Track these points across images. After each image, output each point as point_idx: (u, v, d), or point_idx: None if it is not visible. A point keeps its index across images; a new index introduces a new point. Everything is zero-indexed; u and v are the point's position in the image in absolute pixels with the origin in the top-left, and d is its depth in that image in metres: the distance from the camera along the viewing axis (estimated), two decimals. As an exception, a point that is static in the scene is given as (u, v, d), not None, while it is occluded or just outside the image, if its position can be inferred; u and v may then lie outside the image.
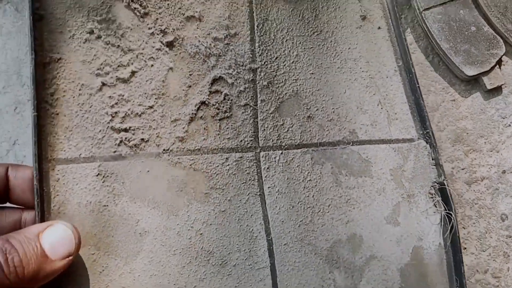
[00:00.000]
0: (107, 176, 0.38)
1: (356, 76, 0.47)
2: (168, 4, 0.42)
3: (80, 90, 0.38)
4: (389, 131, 0.47)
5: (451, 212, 0.48)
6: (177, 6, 0.42)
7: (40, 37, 0.38)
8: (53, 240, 0.34)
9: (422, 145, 0.47)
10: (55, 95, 0.38)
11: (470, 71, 0.53)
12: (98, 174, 0.38)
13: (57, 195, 0.37)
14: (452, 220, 0.48)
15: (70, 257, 0.34)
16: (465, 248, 0.54)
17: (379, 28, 0.48)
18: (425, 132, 0.48)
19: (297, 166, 0.44)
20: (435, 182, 0.47)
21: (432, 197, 0.48)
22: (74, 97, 0.38)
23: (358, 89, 0.46)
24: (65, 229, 0.34)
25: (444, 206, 0.48)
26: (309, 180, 0.44)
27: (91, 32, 0.39)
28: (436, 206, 0.47)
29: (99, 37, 0.39)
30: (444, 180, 0.47)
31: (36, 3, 0.38)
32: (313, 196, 0.44)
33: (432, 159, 0.48)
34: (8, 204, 0.39)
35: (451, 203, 0.46)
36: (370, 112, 0.46)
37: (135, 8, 0.41)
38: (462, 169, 0.56)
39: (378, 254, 0.44)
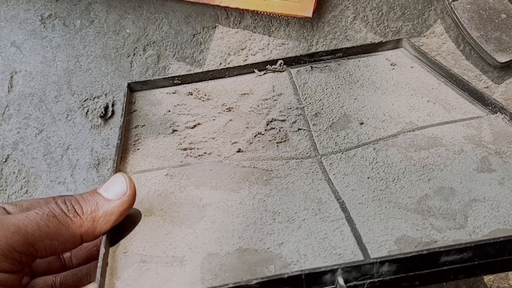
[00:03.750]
0: (175, 175, 0.47)
1: (399, 93, 0.55)
2: (225, 91, 0.58)
3: (156, 136, 0.51)
4: (450, 115, 0.50)
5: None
6: (233, 90, 0.58)
7: (130, 119, 0.54)
8: (108, 185, 0.41)
9: (492, 117, 0.48)
10: (138, 141, 0.51)
11: (502, 58, 0.57)
12: (167, 174, 0.46)
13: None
14: None
15: (126, 195, 0.40)
16: None
17: (411, 67, 0.58)
18: (491, 108, 0.50)
19: (361, 157, 0.49)
20: None
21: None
22: (152, 140, 0.51)
23: (405, 98, 0.54)
24: (118, 175, 0.41)
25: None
26: (376, 162, 0.48)
27: (168, 111, 0.55)
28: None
29: (174, 112, 0.55)
30: None
31: (132, 107, 0.56)
32: (383, 171, 0.46)
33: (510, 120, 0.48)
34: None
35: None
36: (422, 108, 0.52)
37: (200, 97, 0.57)
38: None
39: (479, 197, 0.42)
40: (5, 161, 0.70)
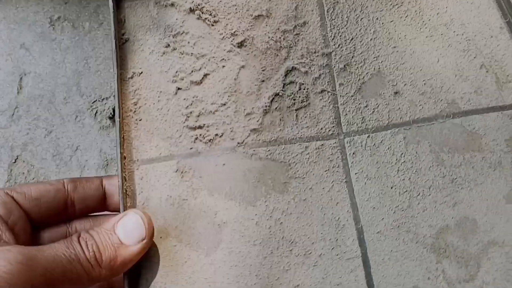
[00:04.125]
0: (185, 171, 0.42)
1: (450, 42, 0.45)
2: (236, 8, 0.46)
3: (159, 97, 0.44)
4: (501, 95, 0.42)
5: None
6: (245, 9, 0.46)
7: (124, 57, 0.46)
8: (126, 227, 0.39)
9: None
10: (138, 104, 0.44)
11: None
12: (177, 170, 0.43)
13: (142, 192, 0.42)
14: None
15: (144, 241, 0.38)
16: None
17: None
18: None
19: (388, 148, 0.43)
20: None
21: None
22: (154, 103, 0.44)
23: (454, 55, 0.44)
24: (136, 215, 0.39)
25: None
26: (403, 162, 0.42)
27: (167, 45, 0.45)
28: None
29: (174, 49, 0.45)
30: None
31: (122, 30, 0.45)
32: (409, 178, 0.41)
33: None
34: (106, 212, 0.45)
35: None
36: (472, 78, 0.43)
37: (205, 19, 0.46)
38: None
39: (499, 239, 0.39)
40: (15, 161, 0.69)
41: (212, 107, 0.47)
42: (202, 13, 0.49)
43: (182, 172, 0.45)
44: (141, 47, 0.49)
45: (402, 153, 0.44)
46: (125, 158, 0.45)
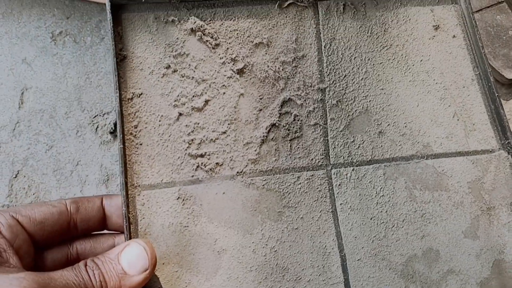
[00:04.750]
0: (186, 199, 0.44)
1: (429, 89, 0.49)
2: (237, 34, 0.47)
3: (160, 121, 0.45)
4: (467, 142, 0.48)
5: (537, 226, 0.48)
6: (246, 35, 0.47)
7: (123, 75, 0.45)
8: (129, 257, 0.41)
9: (503, 156, 0.48)
10: (138, 127, 0.44)
11: (511, 75, 0.55)
12: (178, 197, 0.44)
13: (143, 218, 0.43)
14: (539, 233, 0.48)
15: (147, 271, 0.41)
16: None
17: (454, 36, 0.50)
18: (506, 142, 0.48)
19: (369, 182, 0.47)
20: None
21: (514, 210, 0.48)
22: (155, 127, 0.45)
23: (432, 101, 0.49)
24: (139, 246, 0.41)
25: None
26: (382, 195, 0.47)
27: (168, 67, 0.45)
28: (519, 220, 0.48)
29: (175, 70, 0.45)
30: None
31: (119, 45, 0.44)
32: (386, 211, 0.47)
33: None
34: (105, 231, 0.46)
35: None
36: (445, 124, 0.48)
37: (206, 41, 0.46)
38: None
39: (456, 268, 0.46)
40: (15, 176, 0.69)
41: (213, 135, 0.48)
42: (204, 35, 0.49)
43: (183, 199, 0.46)
44: (141, 66, 0.48)
45: (381, 187, 0.50)
46: (126, 183, 0.45)
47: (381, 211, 0.51)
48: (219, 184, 0.48)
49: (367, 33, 0.52)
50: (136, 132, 0.48)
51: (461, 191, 0.51)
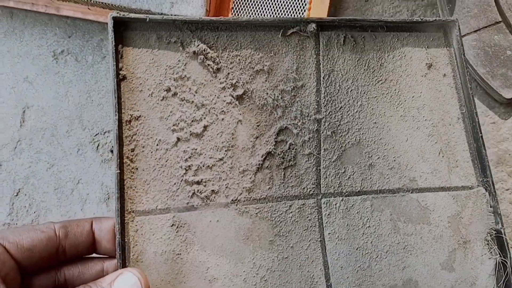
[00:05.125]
0: (180, 226, 0.44)
1: (418, 125, 0.51)
2: (239, 59, 0.47)
3: (157, 145, 0.44)
4: (449, 178, 0.51)
5: (506, 260, 0.50)
6: (248, 61, 0.47)
7: (123, 96, 0.43)
8: (123, 287, 0.39)
9: (481, 193, 0.51)
10: (135, 151, 0.43)
11: (509, 94, 0.59)
12: (172, 224, 0.44)
13: (136, 245, 0.43)
14: (507, 267, 0.50)
15: None
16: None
17: (444, 75, 0.52)
18: (485, 180, 0.50)
19: (357, 212, 0.49)
20: (492, 229, 0.50)
21: (488, 244, 0.51)
22: (152, 152, 0.44)
23: (420, 137, 0.51)
24: (133, 276, 0.40)
25: (499, 253, 0.51)
26: (368, 226, 0.49)
27: (168, 89, 0.44)
28: (491, 253, 0.50)
29: (175, 94, 0.44)
30: (501, 228, 0.50)
31: (120, 64, 0.43)
32: (371, 242, 0.48)
33: (490, 207, 0.51)
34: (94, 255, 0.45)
35: (507, 251, 0.49)
36: (431, 160, 0.51)
37: (208, 65, 0.46)
38: (507, 189, 0.60)
39: None
40: (16, 195, 0.69)
41: (210, 161, 0.47)
42: (206, 59, 0.48)
43: (177, 226, 0.46)
44: (140, 87, 0.46)
45: (368, 219, 0.51)
46: (121, 210, 0.44)
47: (367, 242, 0.52)
48: (214, 212, 0.48)
49: (364, 66, 0.53)
50: (132, 156, 0.46)
51: (442, 225, 0.54)
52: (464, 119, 0.56)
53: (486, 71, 0.60)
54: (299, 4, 0.69)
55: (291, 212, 0.50)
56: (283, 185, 0.50)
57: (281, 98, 0.51)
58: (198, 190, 0.48)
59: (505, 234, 0.54)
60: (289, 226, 0.50)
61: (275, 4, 0.69)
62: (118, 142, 0.45)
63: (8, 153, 0.72)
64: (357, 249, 0.52)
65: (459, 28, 0.56)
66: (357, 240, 0.52)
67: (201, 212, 0.48)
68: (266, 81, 0.50)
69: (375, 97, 0.54)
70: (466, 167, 0.55)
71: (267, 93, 0.50)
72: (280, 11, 0.70)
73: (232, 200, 0.49)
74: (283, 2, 0.70)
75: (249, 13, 0.69)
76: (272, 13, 0.69)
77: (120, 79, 0.46)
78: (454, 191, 0.55)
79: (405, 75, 0.54)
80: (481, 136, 0.54)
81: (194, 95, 0.49)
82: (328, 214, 0.52)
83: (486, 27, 0.61)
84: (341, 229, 0.52)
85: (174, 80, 0.48)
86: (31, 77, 0.71)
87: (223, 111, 0.49)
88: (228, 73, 0.50)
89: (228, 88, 0.49)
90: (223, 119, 0.49)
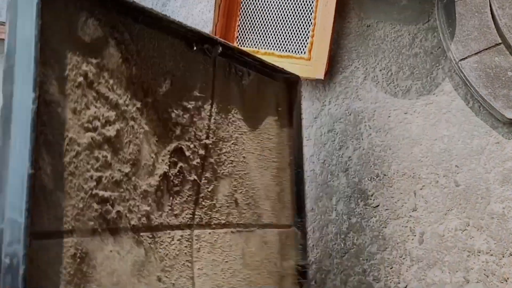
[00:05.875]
0: (81, 257, 0.38)
1: (268, 165, 0.59)
2: (153, 61, 0.45)
3: (68, 145, 0.36)
4: (279, 217, 0.61)
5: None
6: (160, 66, 0.46)
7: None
8: None
9: (294, 231, 0.62)
10: (41, 148, 0.36)
11: (511, 114, 0.65)
12: (74, 253, 0.38)
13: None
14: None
15: None
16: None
17: (287, 122, 0.62)
18: (299, 221, 0.63)
19: (220, 246, 0.53)
20: (299, 265, 0.62)
21: (298, 278, 0.62)
22: (60, 153, 0.37)
23: (268, 177, 0.59)
24: None
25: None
26: (226, 261, 0.54)
27: (85, 76, 0.39)
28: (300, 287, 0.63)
29: (91, 83, 0.39)
30: (306, 264, 0.62)
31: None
32: (227, 279, 0.53)
33: (300, 244, 0.63)
34: None
35: (309, 285, 0.62)
36: (272, 199, 0.60)
37: (126, 58, 0.44)
38: (514, 207, 0.69)
39: None
40: None
41: (118, 175, 0.39)
42: (126, 51, 0.41)
43: (79, 257, 0.39)
44: (53, 62, 0.34)
45: (227, 254, 0.53)
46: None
47: (224, 278, 0.53)
48: (115, 239, 0.44)
49: (242, 99, 0.54)
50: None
51: (273, 259, 0.59)
52: (291, 165, 0.62)
53: (488, 92, 0.62)
54: (302, 31, 0.73)
55: (173, 244, 0.46)
56: (170, 213, 0.45)
57: (182, 115, 0.47)
58: (105, 211, 0.39)
59: (308, 269, 0.64)
60: (172, 261, 0.45)
61: (280, 28, 0.75)
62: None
63: None
64: (217, 285, 0.51)
65: (301, 84, 0.62)
66: (219, 276, 0.52)
67: (103, 240, 0.42)
68: (172, 93, 0.46)
69: (245, 132, 0.55)
70: (290, 208, 0.62)
71: (171, 107, 0.46)
72: (285, 39, 0.75)
73: (132, 225, 0.41)
74: (287, 27, 0.75)
75: (253, 39, 0.75)
76: (276, 39, 0.75)
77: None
78: (282, 229, 0.61)
79: (265, 116, 0.58)
80: (303, 181, 0.62)
81: (110, 90, 0.40)
82: (198, 249, 0.50)
83: (486, 49, 0.63)
84: (208, 264, 0.51)
85: (92, 65, 0.38)
86: None
87: (133, 116, 0.41)
88: (141, 74, 0.43)
89: (139, 91, 0.43)
90: (133, 126, 0.41)
